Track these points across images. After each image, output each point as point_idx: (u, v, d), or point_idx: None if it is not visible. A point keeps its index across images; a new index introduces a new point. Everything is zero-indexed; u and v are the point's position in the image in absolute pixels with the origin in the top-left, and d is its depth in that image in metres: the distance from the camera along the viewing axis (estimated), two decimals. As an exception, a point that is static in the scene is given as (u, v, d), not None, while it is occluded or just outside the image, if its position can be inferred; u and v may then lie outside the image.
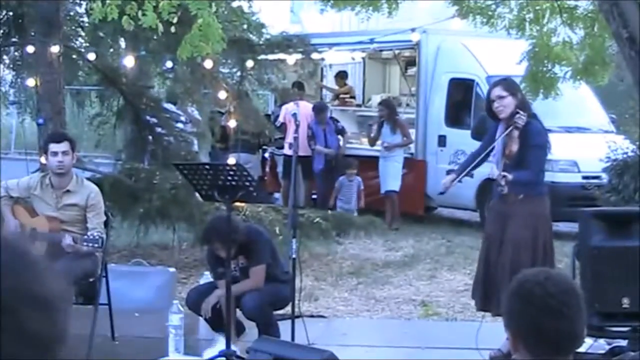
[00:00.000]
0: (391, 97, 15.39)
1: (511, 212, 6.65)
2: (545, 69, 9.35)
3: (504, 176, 6.50)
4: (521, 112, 6.60)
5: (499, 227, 6.71)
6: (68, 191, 6.71)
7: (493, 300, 6.65)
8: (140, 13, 7.66)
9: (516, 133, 6.55)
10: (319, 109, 14.14)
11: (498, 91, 6.71)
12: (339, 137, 14.30)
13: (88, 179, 7.53)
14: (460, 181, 7.11)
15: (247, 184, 6.16)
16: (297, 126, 7.31)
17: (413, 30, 13.72)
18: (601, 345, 6.44)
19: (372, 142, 14.03)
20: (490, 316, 7.00)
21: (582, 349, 5.05)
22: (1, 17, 10.55)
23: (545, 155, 6.94)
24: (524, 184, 6.62)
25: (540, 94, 9.41)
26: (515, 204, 6.64)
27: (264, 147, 15.21)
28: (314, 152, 13.88)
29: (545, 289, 2.44)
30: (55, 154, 6.66)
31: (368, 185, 14.56)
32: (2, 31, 10.63)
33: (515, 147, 6.55)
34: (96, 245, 6.41)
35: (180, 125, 11.44)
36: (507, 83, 6.86)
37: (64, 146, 6.69)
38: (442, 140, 13.76)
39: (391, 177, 13.54)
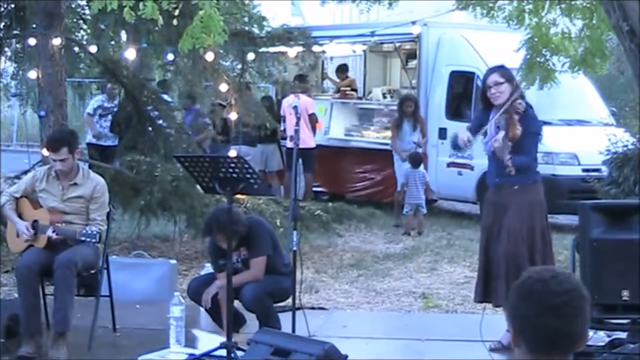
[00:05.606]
0: (393, 90, 15.41)
1: (507, 202, 6.67)
2: (542, 59, 9.36)
3: (510, 158, 6.52)
4: (521, 99, 6.64)
5: (495, 218, 6.72)
6: (75, 184, 6.68)
7: (492, 291, 6.68)
8: (141, 4, 7.67)
9: (517, 117, 6.58)
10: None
11: (496, 77, 6.70)
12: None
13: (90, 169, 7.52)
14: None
15: (248, 176, 6.18)
16: (298, 119, 7.31)
17: (414, 23, 13.71)
18: (601, 337, 6.46)
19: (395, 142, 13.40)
20: (491, 307, 7.02)
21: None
22: (3, 9, 10.55)
23: (538, 143, 7.00)
24: (519, 172, 6.62)
25: (536, 83, 9.41)
26: (510, 194, 6.67)
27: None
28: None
29: (547, 286, 2.43)
30: (54, 160, 6.62)
31: (368, 178, 14.57)
32: (3, 23, 10.64)
33: (518, 132, 6.56)
34: (94, 240, 6.39)
35: (179, 115, 11.43)
36: (503, 70, 6.86)
37: (61, 154, 6.55)
38: (442, 133, 13.74)
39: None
